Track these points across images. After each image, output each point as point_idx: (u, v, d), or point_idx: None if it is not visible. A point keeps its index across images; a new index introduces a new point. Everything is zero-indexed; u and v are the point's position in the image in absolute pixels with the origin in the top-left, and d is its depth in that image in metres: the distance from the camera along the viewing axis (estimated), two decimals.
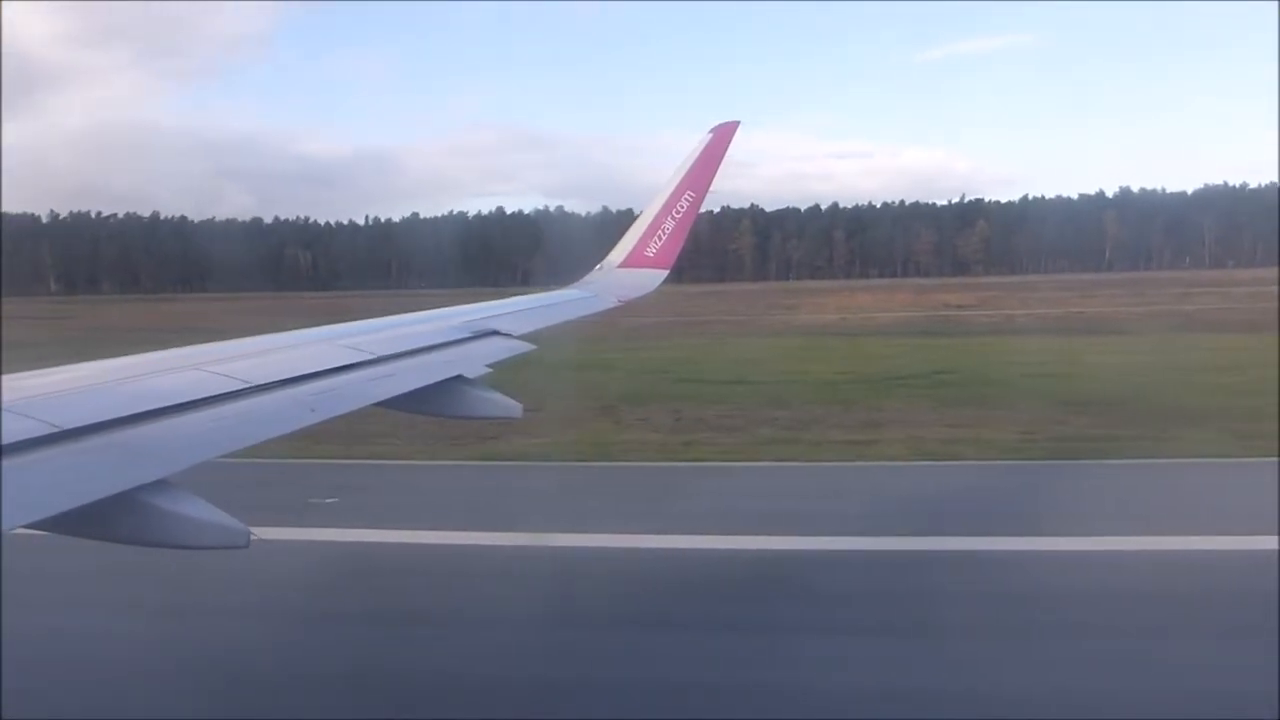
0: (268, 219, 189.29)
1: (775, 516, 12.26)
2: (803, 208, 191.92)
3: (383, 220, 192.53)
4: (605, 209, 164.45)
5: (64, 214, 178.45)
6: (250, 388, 4.02)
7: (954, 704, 7.13)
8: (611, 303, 8.32)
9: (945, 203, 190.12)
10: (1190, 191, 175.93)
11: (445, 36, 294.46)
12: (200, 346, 4.72)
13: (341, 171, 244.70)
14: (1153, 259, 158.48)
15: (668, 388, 25.54)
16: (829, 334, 44.95)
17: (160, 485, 3.12)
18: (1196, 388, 22.28)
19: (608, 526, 11.92)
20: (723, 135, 9.05)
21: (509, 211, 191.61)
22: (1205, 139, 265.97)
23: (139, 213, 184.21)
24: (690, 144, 9.34)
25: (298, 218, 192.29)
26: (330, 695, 7.59)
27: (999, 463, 15.41)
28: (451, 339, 5.80)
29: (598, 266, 9.24)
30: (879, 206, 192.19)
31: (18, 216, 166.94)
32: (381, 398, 4.59)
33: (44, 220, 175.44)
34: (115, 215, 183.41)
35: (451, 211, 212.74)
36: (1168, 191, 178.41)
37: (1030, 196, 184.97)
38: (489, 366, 5.49)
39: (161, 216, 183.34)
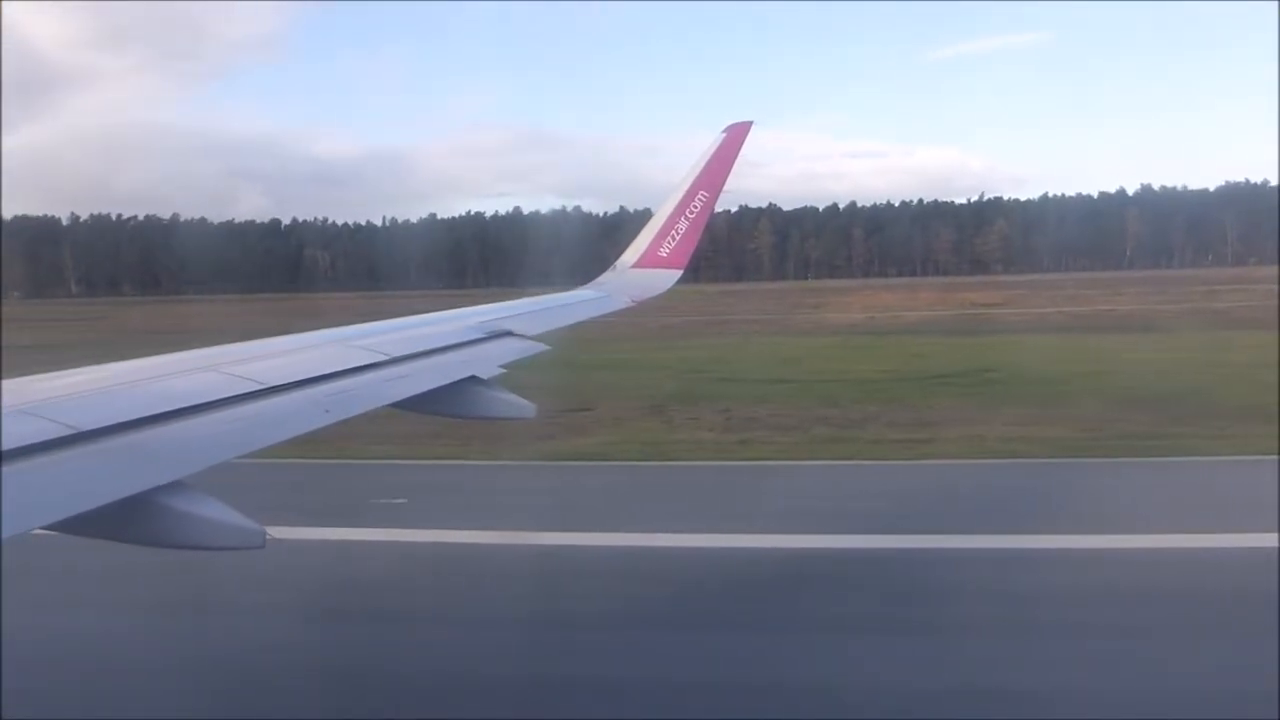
0: (281, 220, 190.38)
1: (861, 515, 12.17)
2: (818, 207, 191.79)
3: (400, 221, 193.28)
4: (622, 209, 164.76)
5: (84, 216, 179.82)
6: (265, 389, 4.01)
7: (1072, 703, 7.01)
8: (625, 303, 8.30)
9: (964, 201, 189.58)
10: (1212, 189, 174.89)
11: (457, 36, 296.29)
12: (215, 348, 4.73)
13: (354, 172, 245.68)
14: (1174, 257, 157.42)
15: (710, 387, 25.42)
16: (859, 333, 44.79)
17: (176, 487, 3.13)
18: (1245, 384, 22.01)
19: (695, 527, 11.81)
20: (736, 135, 9.02)
21: (525, 212, 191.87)
22: (1226, 137, 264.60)
23: (158, 214, 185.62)
24: (704, 143, 9.28)
25: (316, 219, 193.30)
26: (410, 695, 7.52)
27: (1068, 461, 15.23)
28: (465, 340, 5.79)
29: (611, 267, 9.21)
30: (897, 205, 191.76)
31: (38, 219, 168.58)
32: (395, 399, 4.59)
33: (64, 223, 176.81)
34: (135, 217, 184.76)
35: (469, 212, 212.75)
36: (1189, 189, 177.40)
37: (1050, 195, 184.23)
38: (502, 367, 5.49)
39: (181, 219, 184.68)
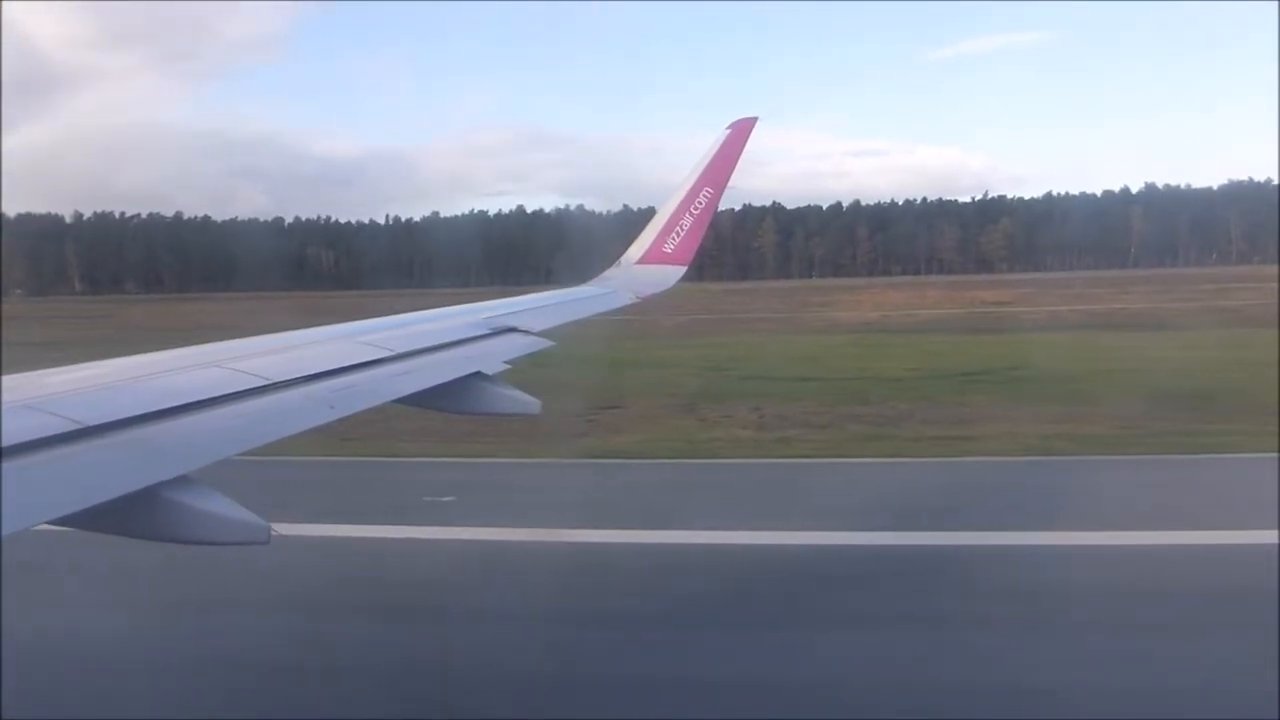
0: (282, 218, 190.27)
1: (924, 513, 12.12)
2: (820, 205, 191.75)
3: (403, 219, 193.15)
4: (626, 207, 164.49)
5: (88, 214, 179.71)
6: (270, 385, 4.02)
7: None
8: (629, 299, 8.28)
9: (968, 200, 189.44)
10: (1215, 187, 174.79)
11: (459, 36, 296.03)
12: (221, 344, 4.71)
13: (356, 171, 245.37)
14: (1178, 255, 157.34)
15: (736, 385, 25.41)
16: (874, 331, 44.80)
17: (182, 481, 3.12)
18: (1273, 381, 21.94)
19: (763, 524, 11.76)
20: (740, 131, 8.97)
21: (529, 211, 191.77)
22: (1228, 136, 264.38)
23: (161, 213, 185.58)
24: (705, 142, 9.23)
25: (319, 217, 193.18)
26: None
27: (1113, 458, 15.20)
28: (469, 336, 5.79)
29: (616, 263, 9.19)
30: (901, 204, 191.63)
31: (41, 217, 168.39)
32: (400, 394, 4.59)
33: (68, 221, 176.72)
34: (139, 216, 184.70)
35: (472, 210, 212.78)
36: (1193, 188, 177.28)
37: (1054, 193, 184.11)
38: (507, 363, 5.46)
39: (185, 217, 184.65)
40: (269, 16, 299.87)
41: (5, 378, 3.56)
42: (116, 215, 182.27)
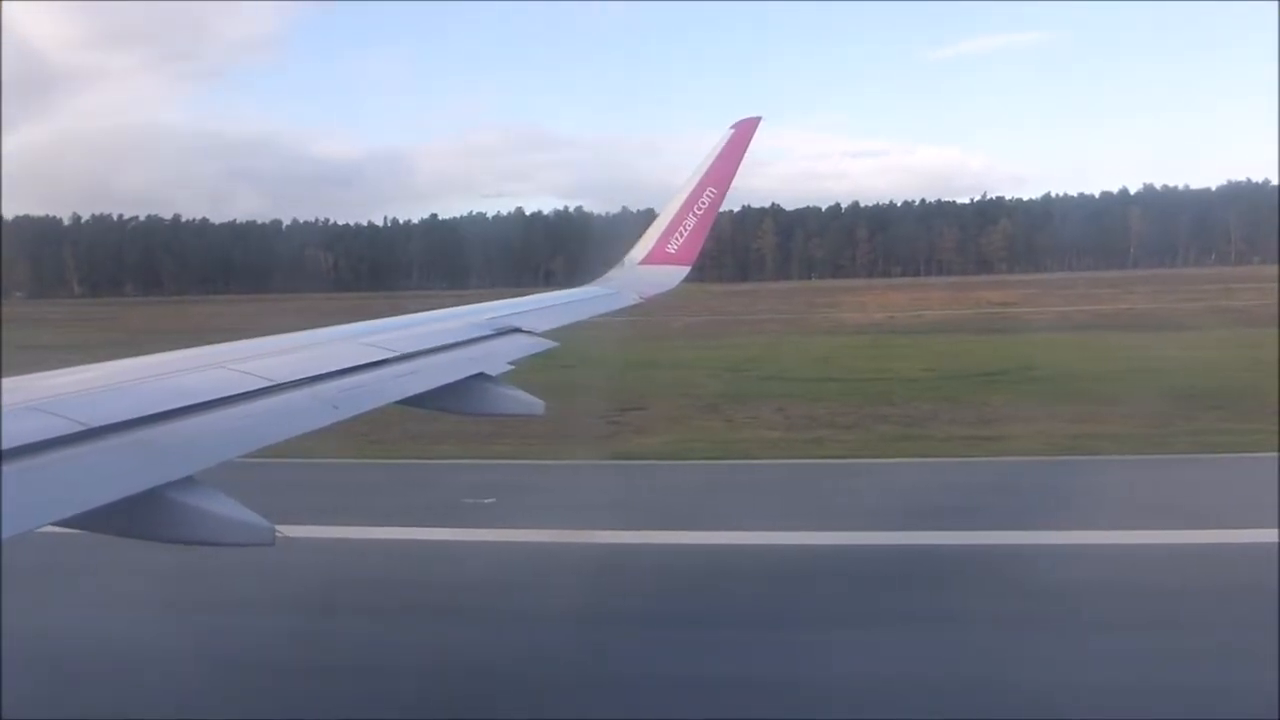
0: (279, 220, 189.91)
1: (979, 512, 12.19)
2: (819, 206, 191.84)
3: (401, 221, 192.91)
4: (625, 209, 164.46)
5: (86, 216, 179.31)
6: (274, 386, 4.01)
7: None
8: (633, 299, 8.29)
9: (967, 201, 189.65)
10: (1214, 188, 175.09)
11: (457, 37, 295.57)
12: (224, 345, 4.72)
13: (354, 172, 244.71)
14: (1177, 256, 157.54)
15: (757, 386, 25.39)
16: (884, 332, 44.75)
17: (187, 483, 3.12)
18: None
19: (825, 525, 11.77)
20: (744, 131, 8.99)
21: (528, 213, 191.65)
22: (1226, 136, 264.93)
23: (160, 215, 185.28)
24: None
25: (317, 219, 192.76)
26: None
27: (1149, 457, 15.23)
28: (473, 336, 5.78)
29: (619, 263, 9.19)
30: (900, 205, 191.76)
31: (39, 219, 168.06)
32: (404, 395, 4.58)
33: (66, 223, 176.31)
34: (137, 218, 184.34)
35: (471, 212, 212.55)
36: (1191, 189, 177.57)
37: (1053, 194, 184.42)
38: (511, 364, 5.48)
39: (183, 219, 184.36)
40: (267, 17, 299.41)
41: (8, 380, 3.57)
42: (115, 217, 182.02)
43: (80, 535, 3.04)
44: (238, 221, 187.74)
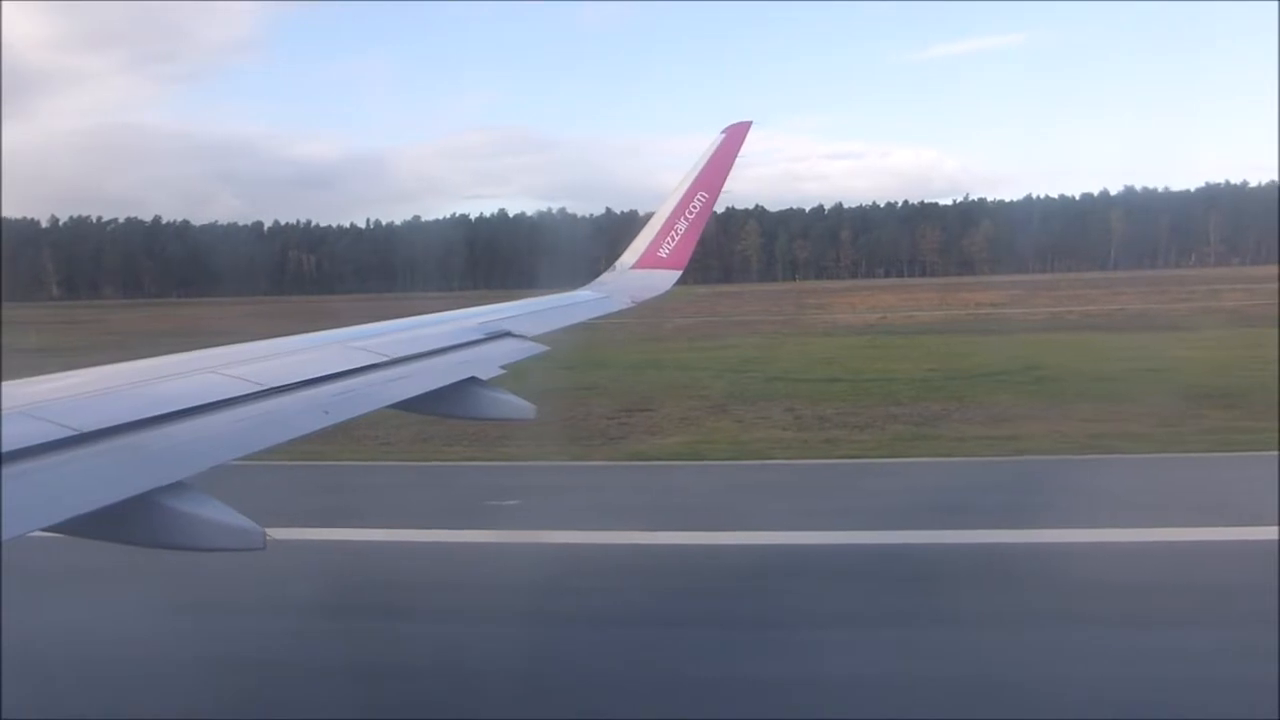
0: (261, 222, 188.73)
1: (1014, 511, 12.02)
2: (802, 208, 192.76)
3: (383, 223, 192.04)
4: (609, 210, 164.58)
5: (64, 219, 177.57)
6: (265, 390, 4.01)
7: None
8: (625, 303, 8.26)
9: (949, 202, 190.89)
10: (1193, 190, 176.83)
11: (437, 39, 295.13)
12: (214, 349, 4.70)
13: (333, 174, 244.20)
14: (1158, 257, 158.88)
15: (762, 387, 25.21)
16: (879, 332, 44.68)
17: (177, 488, 3.12)
18: None
19: (863, 524, 11.58)
20: (735, 135, 8.98)
21: (511, 215, 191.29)
22: (1204, 138, 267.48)
23: (140, 217, 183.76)
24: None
25: (298, 221, 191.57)
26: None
27: (1171, 456, 15.14)
28: (464, 341, 5.78)
29: (611, 267, 9.15)
30: (882, 206, 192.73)
31: (17, 221, 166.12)
32: (396, 399, 4.57)
33: (44, 225, 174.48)
34: (116, 220, 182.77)
35: (453, 214, 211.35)
36: (1171, 190, 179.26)
37: (1034, 196, 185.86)
38: (502, 368, 5.45)
39: (163, 221, 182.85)
40: (247, 19, 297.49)
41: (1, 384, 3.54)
42: (93, 219, 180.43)
43: (70, 540, 2.97)
44: (218, 224, 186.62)
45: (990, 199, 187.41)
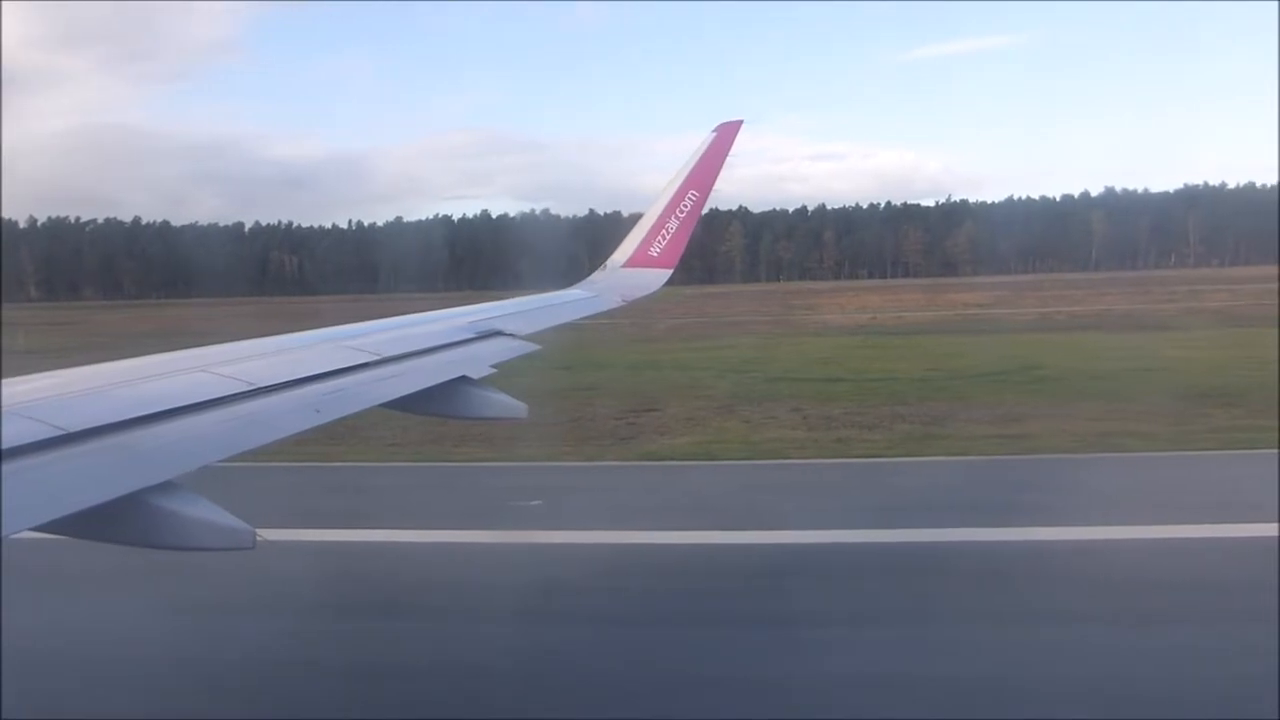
0: (237, 222, 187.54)
1: (1041, 509, 12.04)
2: (785, 209, 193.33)
3: (365, 224, 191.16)
4: (592, 211, 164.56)
5: (42, 219, 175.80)
6: (255, 389, 4.02)
7: None
8: (616, 302, 8.31)
9: (932, 204, 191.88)
10: (1173, 191, 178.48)
11: (418, 40, 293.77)
12: (204, 349, 4.68)
13: (314, 175, 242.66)
14: (1139, 258, 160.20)
15: (765, 387, 25.26)
16: (872, 333, 44.86)
17: (166, 487, 3.12)
18: None
19: (902, 522, 11.59)
20: (726, 134, 8.99)
21: (494, 215, 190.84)
22: (1182, 140, 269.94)
23: (119, 218, 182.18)
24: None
25: (280, 222, 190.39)
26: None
27: (1184, 454, 15.27)
28: (455, 340, 5.79)
29: (601, 266, 9.17)
30: (865, 208, 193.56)
31: None
32: (387, 399, 4.58)
33: (21, 226, 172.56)
34: (95, 220, 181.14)
35: (436, 215, 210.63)
36: (1151, 192, 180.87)
37: (1015, 197, 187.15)
38: (493, 367, 5.47)
39: (143, 222, 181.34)
40: (225, 18, 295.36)
41: None
42: (72, 220, 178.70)
43: (58, 540, 2.98)
44: (199, 224, 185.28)
45: (972, 200, 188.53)
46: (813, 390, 23.92)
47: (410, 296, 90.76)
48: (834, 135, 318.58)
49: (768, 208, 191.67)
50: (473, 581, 10.21)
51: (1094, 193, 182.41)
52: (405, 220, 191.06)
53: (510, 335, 6.20)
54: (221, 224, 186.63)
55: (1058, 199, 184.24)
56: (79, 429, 3.12)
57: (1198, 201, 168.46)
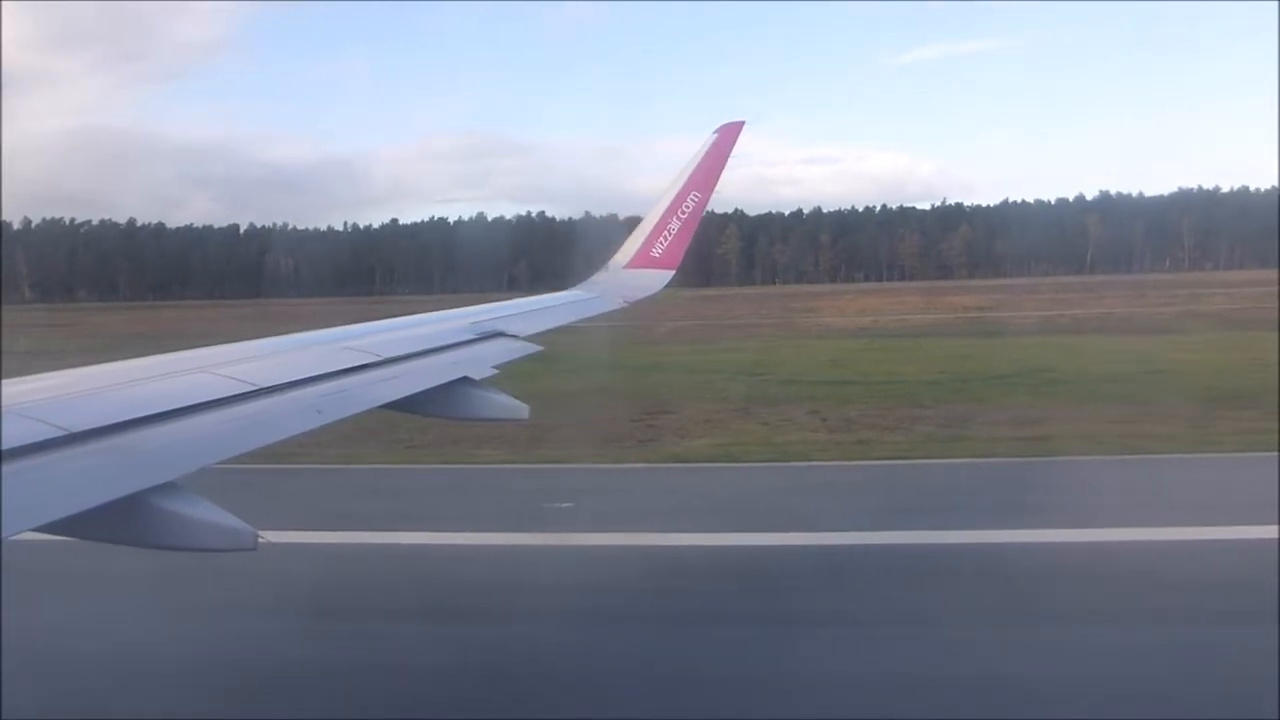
0: (229, 224, 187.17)
1: (1093, 510, 12.11)
2: (782, 212, 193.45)
3: (361, 226, 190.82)
4: (588, 214, 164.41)
5: (36, 220, 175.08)
6: (257, 390, 4.02)
7: None
8: (618, 303, 8.36)
9: (928, 207, 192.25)
10: (1167, 195, 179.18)
11: (411, 42, 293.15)
12: (206, 349, 4.71)
13: (307, 177, 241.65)
14: (1134, 262, 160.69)
15: (778, 389, 25.28)
16: (876, 335, 44.89)
17: (168, 488, 3.12)
18: None
19: (949, 524, 11.64)
20: (728, 135, 9.04)
21: (489, 218, 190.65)
22: (1175, 144, 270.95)
23: (114, 219, 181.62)
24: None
25: (275, 224, 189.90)
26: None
27: (1214, 456, 15.31)
28: (457, 341, 5.81)
29: (603, 267, 9.20)
30: (861, 211, 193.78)
31: None
32: (388, 399, 4.59)
33: (16, 227, 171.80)
34: (89, 222, 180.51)
35: (432, 217, 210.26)
36: (1146, 196, 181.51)
37: (1011, 201, 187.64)
38: (495, 368, 5.49)
39: (138, 223, 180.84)
40: (217, 19, 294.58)
41: None
42: (66, 221, 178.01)
43: (60, 540, 2.98)
44: (194, 226, 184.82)
45: (967, 204, 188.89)
46: (826, 393, 23.91)
47: (410, 299, 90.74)
48: (826, 138, 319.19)
49: (761, 210, 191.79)
50: (529, 584, 10.18)
51: (1089, 196, 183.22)
52: (401, 222, 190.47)
53: (512, 336, 6.21)
54: (216, 226, 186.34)
55: (1052, 202, 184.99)
56: (81, 429, 3.12)
57: (1192, 205, 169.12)
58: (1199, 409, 19.23)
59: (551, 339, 6.72)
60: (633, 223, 9.44)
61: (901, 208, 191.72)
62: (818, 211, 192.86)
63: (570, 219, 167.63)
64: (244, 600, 9.20)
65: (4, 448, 2.83)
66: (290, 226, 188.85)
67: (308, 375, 4.36)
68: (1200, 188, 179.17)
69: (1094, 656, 7.84)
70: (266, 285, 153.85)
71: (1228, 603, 8.91)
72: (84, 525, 2.85)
